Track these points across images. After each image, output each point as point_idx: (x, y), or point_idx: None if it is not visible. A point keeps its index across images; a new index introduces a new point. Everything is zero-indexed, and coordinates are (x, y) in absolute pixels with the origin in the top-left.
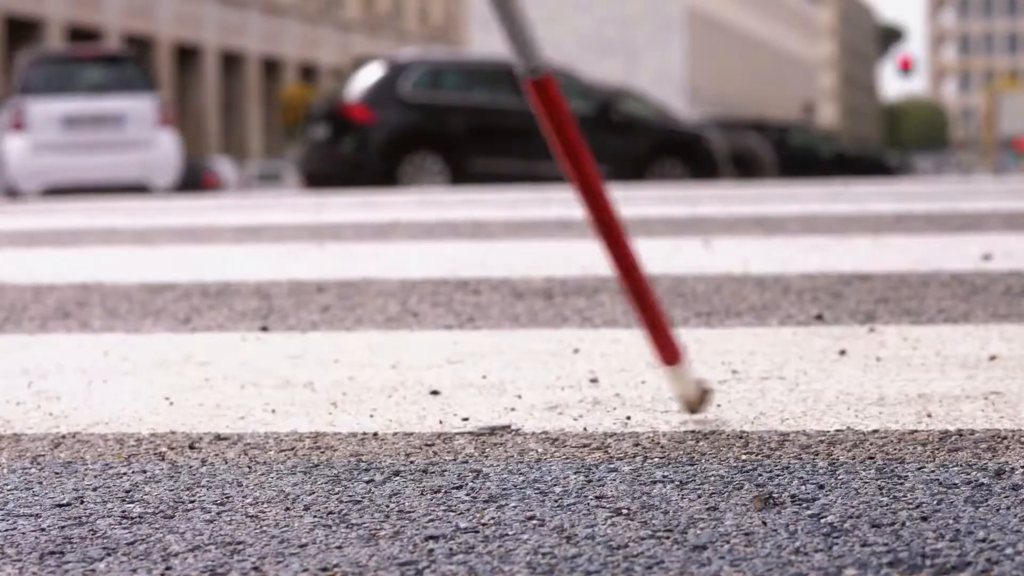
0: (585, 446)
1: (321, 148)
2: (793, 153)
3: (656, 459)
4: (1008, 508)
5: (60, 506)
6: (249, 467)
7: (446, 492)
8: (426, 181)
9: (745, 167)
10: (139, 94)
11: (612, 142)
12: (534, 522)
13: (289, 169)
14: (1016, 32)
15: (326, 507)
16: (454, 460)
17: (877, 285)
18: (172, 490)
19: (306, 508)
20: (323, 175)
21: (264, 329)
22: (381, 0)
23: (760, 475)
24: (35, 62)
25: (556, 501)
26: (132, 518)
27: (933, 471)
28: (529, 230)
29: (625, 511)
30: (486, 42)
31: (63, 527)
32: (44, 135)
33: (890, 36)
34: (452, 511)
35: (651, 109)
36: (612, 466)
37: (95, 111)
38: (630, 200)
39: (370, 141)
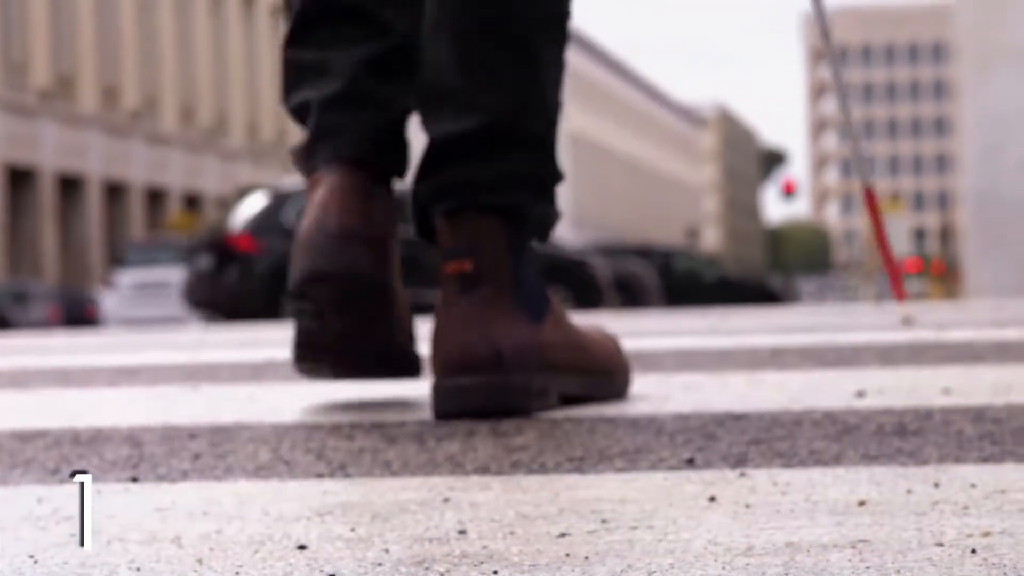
0: None
1: (205, 278)
2: (678, 278)
3: None
4: None
5: None
6: None
7: None
8: None
9: (629, 293)
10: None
11: None
12: None
13: None
14: (897, 154)
15: None
16: None
17: (750, 425)
18: None
19: None
20: (207, 305)
21: (134, 480)
22: (265, 129)
23: None
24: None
25: None
26: None
27: None
28: None
29: None
30: None
31: None
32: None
33: (773, 159)
34: None
35: None
36: None
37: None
38: None
39: (254, 271)
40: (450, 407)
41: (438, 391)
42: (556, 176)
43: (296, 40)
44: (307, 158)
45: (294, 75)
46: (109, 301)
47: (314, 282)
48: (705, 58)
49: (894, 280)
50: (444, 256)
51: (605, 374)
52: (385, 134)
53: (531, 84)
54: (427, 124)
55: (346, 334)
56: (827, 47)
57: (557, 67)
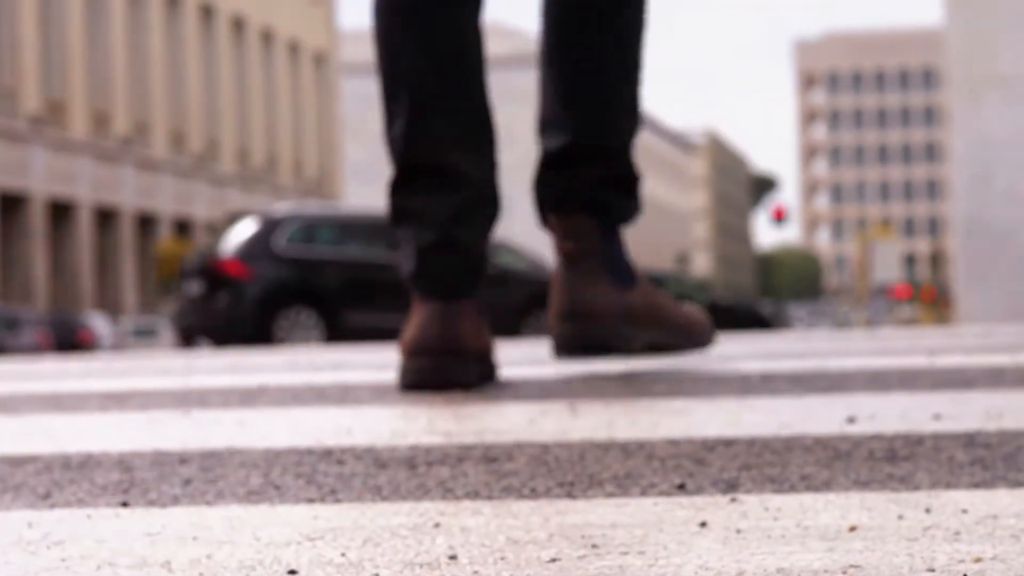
0: None
1: (196, 304)
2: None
3: None
4: None
5: None
6: None
7: None
8: (301, 337)
9: None
10: None
11: (487, 295)
12: None
13: (165, 325)
14: (887, 180)
15: None
16: None
17: (741, 451)
18: None
19: None
20: (198, 331)
21: (124, 504)
22: (255, 155)
23: None
24: None
25: None
26: None
27: None
28: (397, 394)
29: None
30: (360, 194)
31: None
32: None
33: (763, 185)
34: None
35: (525, 261)
36: None
37: None
38: (500, 361)
39: (244, 297)
40: (561, 351)
41: (556, 337)
42: (633, 177)
43: (399, 190)
44: (411, 286)
45: (399, 216)
46: None
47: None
48: (696, 84)
49: None
50: (557, 240)
51: (682, 329)
52: (468, 270)
53: (610, 111)
54: (540, 139)
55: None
56: None
57: (632, 92)
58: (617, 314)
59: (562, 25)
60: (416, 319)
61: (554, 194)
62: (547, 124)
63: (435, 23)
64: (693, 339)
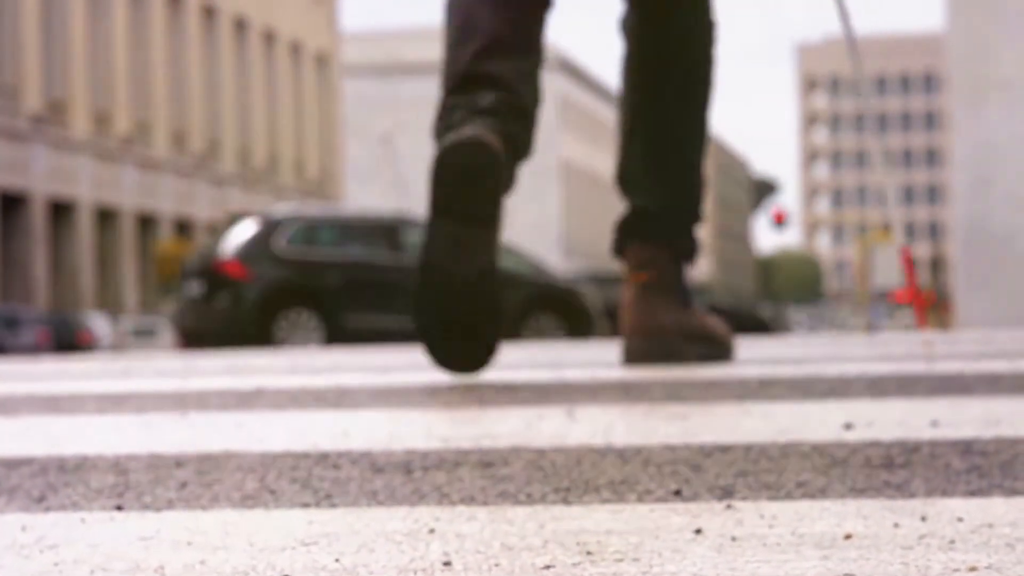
0: None
1: (196, 305)
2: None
3: None
4: None
5: None
6: None
7: None
8: (301, 338)
9: (620, 321)
10: None
11: None
12: None
13: (165, 325)
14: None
15: None
16: None
17: (737, 457)
18: None
19: None
20: (198, 332)
21: (119, 508)
22: (256, 155)
23: None
24: None
25: None
26: None
27: None
28: (395, 397)
29: None
30: (362, 196)
31: None
32: None
33: (764, 189)
34: None
35: (526, 264)
36: None
37: None
38: (498, 365)
39: (245, 298)
40: (630, 359)
41: (628, 347)
42: (698, 219)
43: (457, 91)
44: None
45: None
46: None
47: None
48: None
49: (920, 312)
50: (632, 268)
51: (720, 344)
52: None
53: (685, 170)
54: (625, 193)
55: None
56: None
57: (701, 150)
58: (678, 331)
59: (643, 95)
60: None
61: (637, 235)
62: (631, 183)
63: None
64: (729, 351)
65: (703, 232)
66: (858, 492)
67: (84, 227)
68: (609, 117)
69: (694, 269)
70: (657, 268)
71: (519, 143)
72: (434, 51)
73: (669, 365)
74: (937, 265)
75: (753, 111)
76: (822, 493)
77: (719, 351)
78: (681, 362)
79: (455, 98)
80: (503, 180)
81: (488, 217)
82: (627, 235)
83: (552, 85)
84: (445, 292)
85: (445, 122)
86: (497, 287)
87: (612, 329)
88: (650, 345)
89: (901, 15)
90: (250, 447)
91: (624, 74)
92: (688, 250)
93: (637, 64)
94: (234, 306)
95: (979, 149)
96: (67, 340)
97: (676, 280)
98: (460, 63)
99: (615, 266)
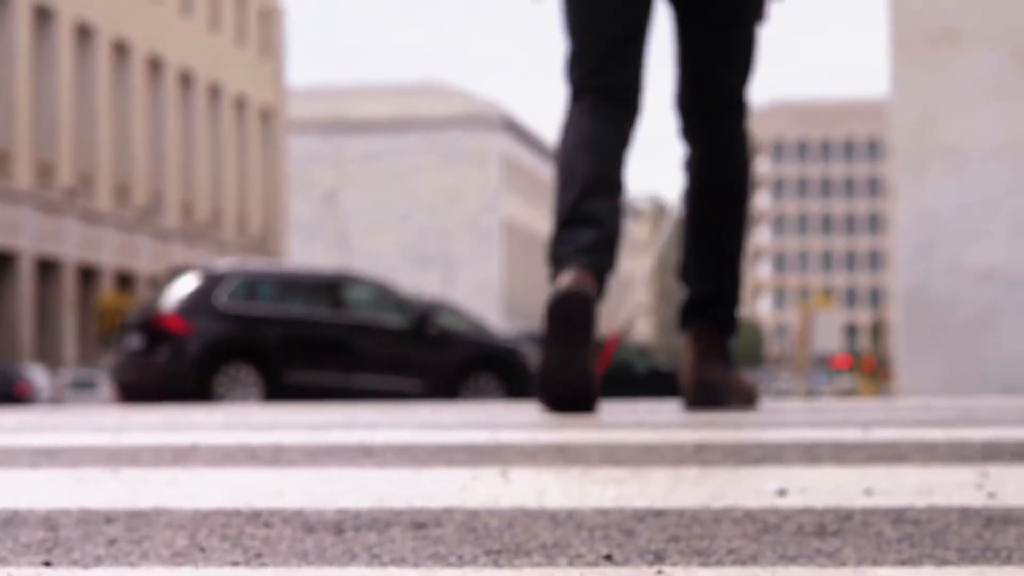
0: None
1: (135, 358)
2: (609, 368)
3: None
4: None
5: None
6: None
7: None
8: (240, 393)
9: None
10: None
11: (427, 356)
12: None
13: (104, 378)
14: (830, 250)
15: None
16: None
17: (670, 522)
18: None
19: None
20: (138, 385)
21: (47, 564)
22: (199, 210)
23: None
24: None
25: None
26: None
27: None
28: (329, 456)
29: None
30: (304, 252)
31: None
32: None
33: None
34: None
35: (467, 323)
36: None
37: None
38: (434, 426)
39: (184, 352)
40: (691, 406)
41: (691, 397)
42: (738, 301)
43: (582, 199)
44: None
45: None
46: None
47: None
48: (640, 150)
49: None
50: (692, 339)
51: (750, 397)
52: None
53: (729, 270)
54: (686, 285)
55: None
56: None
57: (744, 241)
58: (725, 385)
59: (703, 218)
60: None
61: (700, 316)
62: (693, 275)
63: (601, 151)
64: (756, 400)
65: (645, 294)
66: (789, 560)
67: (25, 278)
68: (552, 177)
69: (636, 331)
70: (710, 339)
71: (608, 267)
72: (378, 108)
73: (720, 410)
74: (878, 331)
75: None
76: (753, 560)
77: (750, 400)
78: (727, 408)
79: (562, 232)
80: (596, 309)
81: (586, 340)
82: (689, 316)
83: (495, 144)
84: (560, 395)
85: (555, 253)
86: (596, 375)
87: None
88: (706, 396)
89: (848, 82)
90: (182, 504)
91: (687, 202)
92: (731, 325)
93: (696, 195)
94: (174, 360)
95: (922, 216)
96: (5, 392)
97: (723, 347)
98: (566, 203)
99: None
